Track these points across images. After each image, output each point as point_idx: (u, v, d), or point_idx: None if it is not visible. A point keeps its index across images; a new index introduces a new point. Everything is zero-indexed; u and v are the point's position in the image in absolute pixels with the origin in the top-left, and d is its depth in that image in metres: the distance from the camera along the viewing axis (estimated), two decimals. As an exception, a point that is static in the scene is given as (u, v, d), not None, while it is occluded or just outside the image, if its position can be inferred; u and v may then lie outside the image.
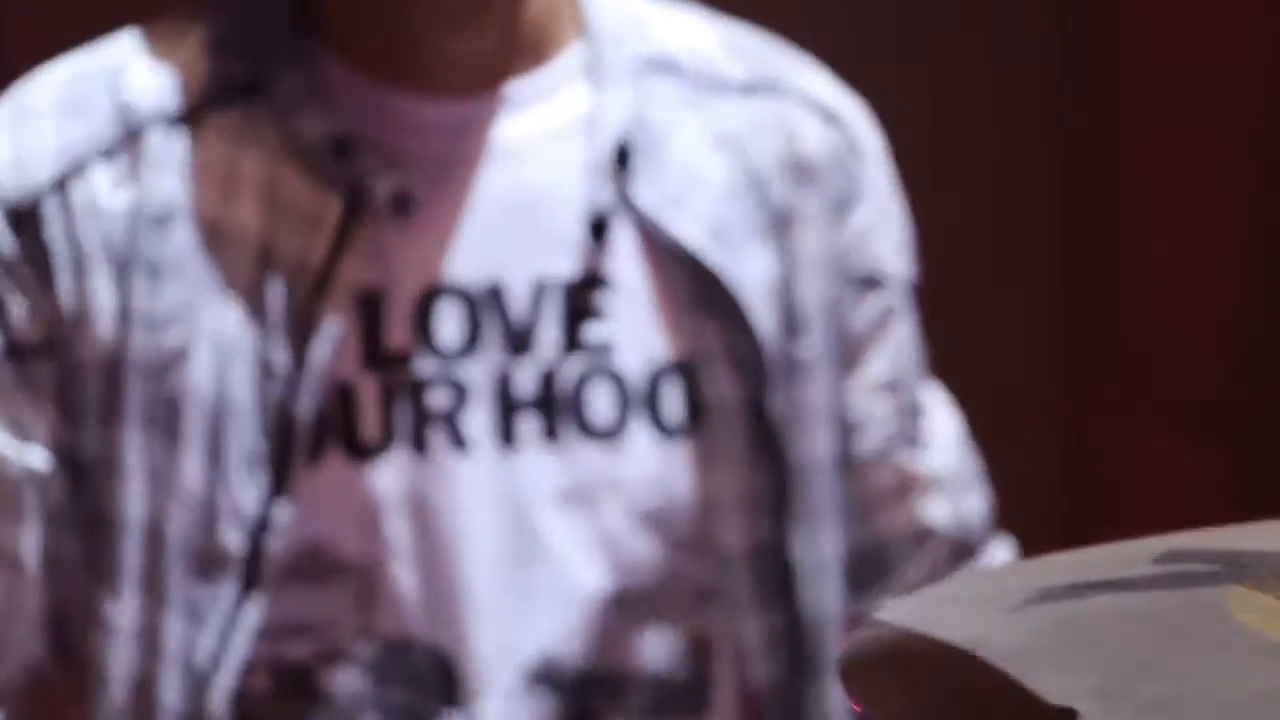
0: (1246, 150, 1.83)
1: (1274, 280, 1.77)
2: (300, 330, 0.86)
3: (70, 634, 0.90)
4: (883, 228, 0.96)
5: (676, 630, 0.92)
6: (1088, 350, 1.94)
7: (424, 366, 0.89)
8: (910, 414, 0.98)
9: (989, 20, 1.97)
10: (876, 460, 0.96)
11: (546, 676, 0.90)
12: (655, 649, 0.91)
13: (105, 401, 0.88)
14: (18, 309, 0.88)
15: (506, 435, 0.89)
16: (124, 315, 0.88)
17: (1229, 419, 1.79)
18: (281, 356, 0.86)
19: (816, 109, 0.95)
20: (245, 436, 0.87)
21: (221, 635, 0.87)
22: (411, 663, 0.89)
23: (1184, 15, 1.82)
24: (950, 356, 1.02)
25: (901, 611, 0.47)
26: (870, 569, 0.96)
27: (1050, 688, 0.37)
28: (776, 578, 0.91)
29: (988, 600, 0.47)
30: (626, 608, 0.90)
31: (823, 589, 0.93)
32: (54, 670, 0.91)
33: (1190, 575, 0.47)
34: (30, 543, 0.89)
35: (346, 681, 0.89)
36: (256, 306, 0.87)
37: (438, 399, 0.89)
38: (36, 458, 0.88)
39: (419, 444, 0.89)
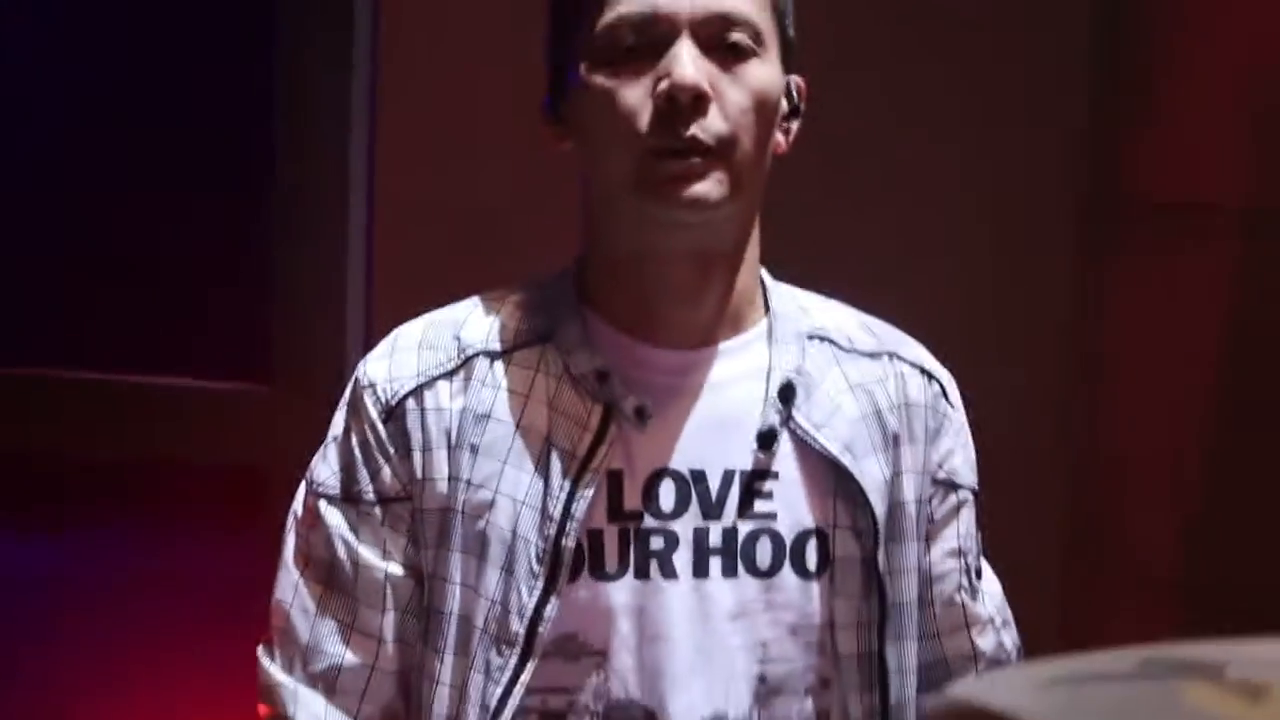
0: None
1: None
2: (569, 494, 1.28)
3: (411, 685, 1.32)
4: (958, 451, 1.40)
5: (804, 704, 1.32)
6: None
7: (648, 522, 1.30)
8: (970, 574, 1.41)
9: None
10: (946, 603, 1.39)
11: None
12: (790, 714, 1.31)
13: (439, 535, 1.29)
14: (386, 473, 1.31)
15: (700, 570, 1.30)
16: (453, 479, 1.29)
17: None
18: (556, 510, 1.28)
19: (919, 370, 1.39)
20: (529, 561, 1.27)
21: (506, 689, 1.26)
22: (628, 716, 1.29)
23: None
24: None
25: (962, 690, 0.78)
26: (937, 676, 1.37)
27: None
28: (875, 674, 1.32)
29: (1020, 685, 0.72)
30: (773, 687, 1.31)
31: (905, 684, 1.34)
32: (399, 709, 1.33)
33: (1158, 674, 0.70)
34: (389, 624, 1.30)
35: None
36: (542, 477, 1.28)
37: (656, 543, 1.29)
38: (395, 570, 1.30)
39: (642, 573, 1.29)
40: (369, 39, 2.21)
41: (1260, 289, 2.12)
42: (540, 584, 1.27)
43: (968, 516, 1.41)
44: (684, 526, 1.30)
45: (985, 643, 1.40)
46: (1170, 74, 2.34)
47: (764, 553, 1.31)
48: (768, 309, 1.37)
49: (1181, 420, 2.24)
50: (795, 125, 1.35)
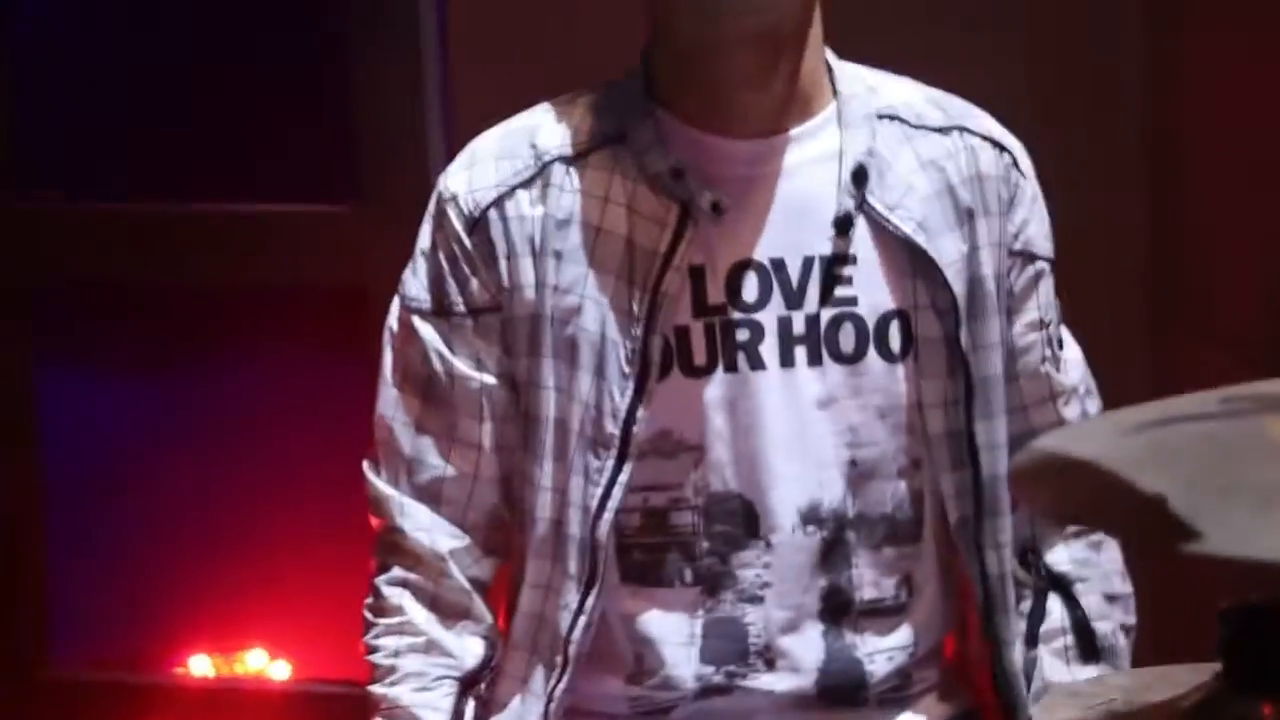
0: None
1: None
2: (654, 293, 1.31)
3: (512, 490, 1.39)
4: (1033, 221, 1.41)
5: (898, 486, 1.37)
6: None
7: (733, 314, 1.33)
8: (1052, 345, 1.42)
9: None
10: (1031, 376, 1.41)
11: (813, 517, 1.35)
12: (884, 498, 1.36)
13: (530, 342, 1.34)
14: (475, 284, 1.35)
15: (786, 359, 1.34)
16: (540, 286, 1.33)
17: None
18: (641, 310, 1.31)
19: (990, 141, 1.39)
20: (619, 362, 1.32)
21: (606, 490, 1.32)
22: (728, 508, 1.34)
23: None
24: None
25: (1048, 441, 0.81)
26: (1025, 438, 1.40)
27: (1147, 484, 0.61)
28: (965, 452, 1.35)
29: (1105, 432, 0.76)
30: (864, 471, 1.35)
31: (996, 460, 1.37)
32: (504, 513, 1.40)
33: (1241, 410, 0.75)
34: (488, 433, 1.36)
35: (687, 519, 1.35)
36: (625, 278, 1.32)
37: (742, 335, 1.33)
38: (490, 379, 1.35)
39: (731, 366, 1.33)
40: None
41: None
42: (631, 384, 1.32)
43: (1046, 287, 1.42)
44: (768, 317, 1.34)
45: (1071, 411, 1.42)
46: None
47: (847, 338, 1.34)
48: (835, 91, 1.37)
49: (1265, 184, 2.23)
50: None
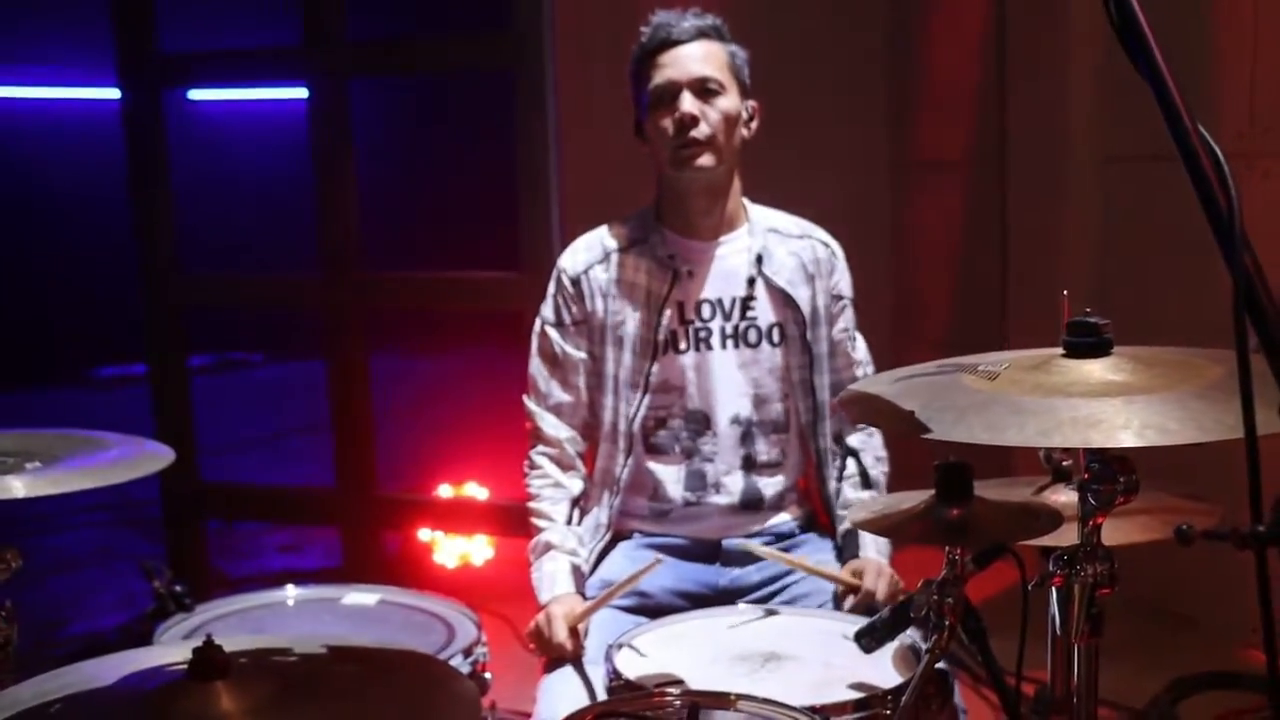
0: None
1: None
2: (659, 314, 2.62)
3: (593, 409, 2.70)
4: (842, 280, 2.72)
5: (778, 406, 2.68)
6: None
7: (697, 324, 2.64)
8: (852, 340, 2.73)
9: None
10: (842, 355, 2.72)
11: (737, 420, 2.66)
12: (770, 412, 2.67)
13: (600, 338, 2.66)
14: (574, 310, 2.67)
15: (723, 346, 2.64)
16: (605, 311, 2.65)
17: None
18: (653, 322, 2.62)
19: (822, 243, 2.71)
20: (641, 345, 2.63)
21: (636, 409, 2.64)
22: (696, 417, 2.65)
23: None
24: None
25: (854, 387, 1.86)
26: (838, 390, 2.66)
27: (903, 405, 1.58)
28: (809, 390, 2.67)
29: (881, 382, 1.79)
30: (761, 399, 2.66)
31: (823, 394, 2.68)
32: (589, 420, 2.71)
33: (948, 370, 1.76)
34: (581, 382, 2.68)
35: (677, 423, 2.66)
36: (645, 306, 2.63)
37: (702, 334, 2.64)
38: (582, 355, 2.68)
39: (697, 349, 2.64)
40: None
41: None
42: (647, 356, 2.63)
43: (849, 312, 2.75)
44: (715, 325, 2.66)
45: (860, 373, 2.73)
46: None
47: (753, 335, 2.67)
48: (747, 216, 2.71)
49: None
50: (755, 125, 2.67)
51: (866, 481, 2.71)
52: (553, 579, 2.54)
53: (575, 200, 3.61)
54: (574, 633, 2.41)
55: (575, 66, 3.68)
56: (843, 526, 2.67)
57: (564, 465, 2.69)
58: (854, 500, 2.66)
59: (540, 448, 2.70)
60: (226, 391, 7.63)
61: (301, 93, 4.09)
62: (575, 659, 2.41)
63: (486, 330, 4.12)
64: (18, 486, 1.92)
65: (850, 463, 2.73)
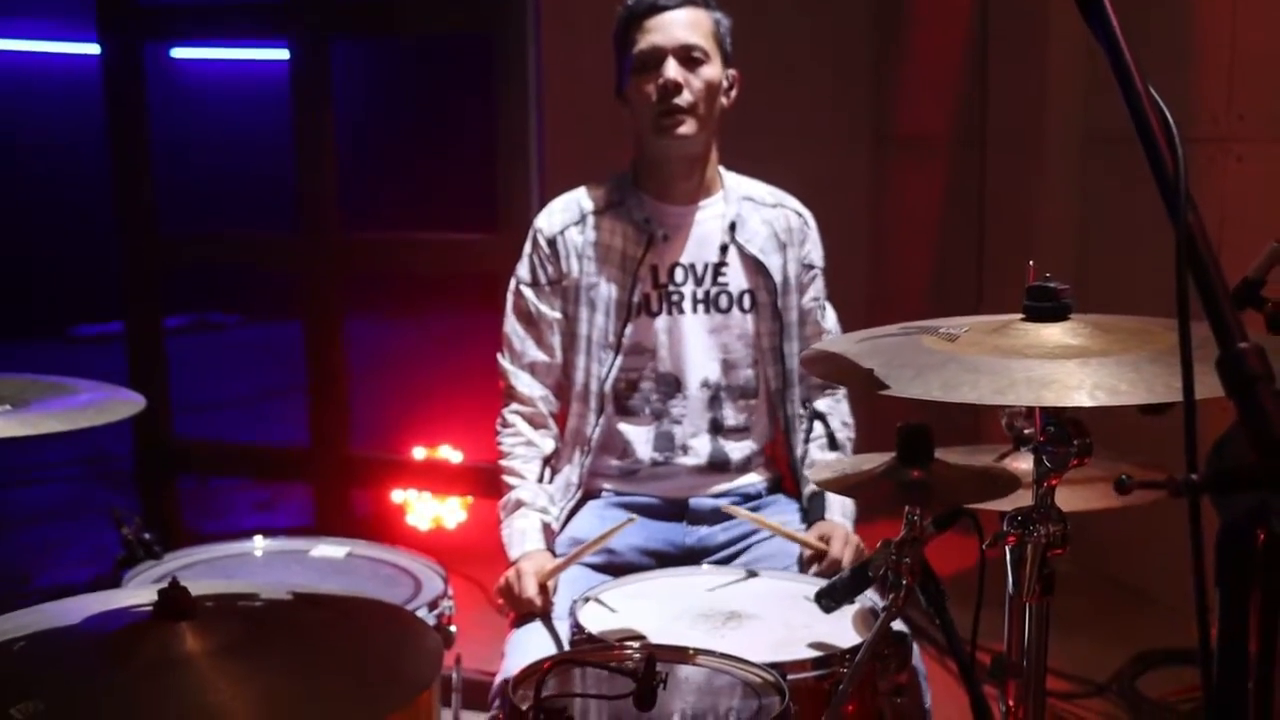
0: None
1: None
2: (634, 276, 2.64)
3: (565, 369, 2.72)
4: (813, 250, 2.76)
5: (747, 371, 2.71)
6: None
7: (670, 288, 2.67)
8: (822, 309, 2.77)
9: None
10: (811, 322, 2.76)
11: (706, 384, 2.69)
12: (739, 377, 2.70)
13: (575, 297, 2.67)
14: (550, 271, 2.69)
15: (694, 310, 2.68)
16: (580, 272, 2.67)
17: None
18: (628, 284, 2.64)
19: (795, 212, 2.75)
20: (615, 307, 2.65)
21: (608, 370, 2.66)
22: (666, 379, 2.68)
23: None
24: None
25: (818, 346, 1.96)
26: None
27: (865, 363, 1.60)
28: (779, 355, 2.71)
29: (844, 342, 1.81)
30: (730, 364, 2.69)
31: (792, 361, 2.72)
32: (562, 379, 2.72)
33: (910, 332, 1.81)
34: (556, 341, 2.70)
35: (649, 384, 2.69)
36: (619, 268, 2.66)
37: (675, 298, 2.67)
38: (556, 314, 2.70)
39: (669, 312, 2.67)
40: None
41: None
42: (621, 318, 2.65)
43: (820, 281, 2.78)
44: (687, 289, 2.68)
45: (827, 338, 2.75)
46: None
47: (724, 301, 2.70)
48: (722, 184, 2.74)
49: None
50: (734, 94, 2.69)
51: (833, 444, 2.75)
52: (523, 535, 2.57)
53: (555, 163, 3.62)
54: (543, 589, 2.44)
55: (557, 29, 3.69)
56: (808, 488, 2.70)
57: (536, 424, 2.71)
58: (820, 461, 2.69)
59: (513, 406, 2.72)
60: (202, 352, 7.63)
61: (282, 54, 4.09)
62: (544, 615, 2.44)
63: (464, 293, 4.15)
64: (-13, 427, 1.92)
65: (817, 425, 2.77)
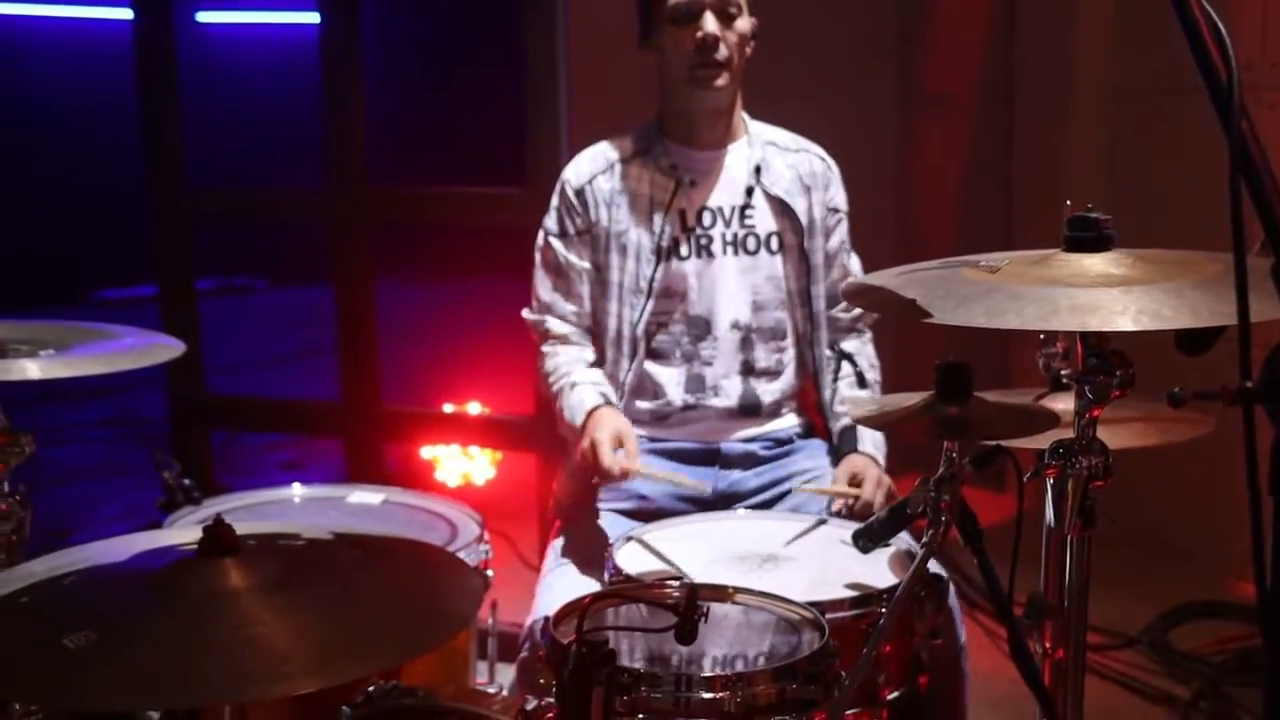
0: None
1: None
2: (662, 219, 2.65)
3: (596, 315, 2.73)
4: (837, 193, 2.76)
5: (775, 313, 2.71)
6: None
7: (699, 231, 2.67)
8: (846, 252, 2.78)
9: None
10: (838, 265, 2.77)
11: (736, 325, 2.69)
12: (769, 319, 2.70)
13: (605, 245, 2.69)
14: (579, 221, 2.70)
15: (724, 253, 2.68)
16: (609, 220, 2.68)
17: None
18: (655, 229, 2.65)
19: (818, 156, 2.76)
20: (646, 252, 2.66)
21: (639, 314, 2.66)
22: (697, 321, 2.69)
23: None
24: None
25: (861, 278, 2.03)
26: (832, 296, 2.75)
27: (906, 294, 1.63)
28: (806, 297, 2.71)
29: (886, 275, 1.81)
30: (759, 304, 2.69)
31: (818, 303, 2.72)
32: (592, 325, 2.73)
33: (951, 265, 1.82)
34: (585, 290, 2.71)
35: (679, 327, 2.69)
36: (648, 214, 2.66)
37: (704, 241, 2.68)
38: (585, 264, 2.71)
39: (699, 255, 2.68)
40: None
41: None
42: (652, 263, 2.66)
43: (844, 225, 2.79)
44: (716, 232, 2.69)
45: (852, 279, 2.71)
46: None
47: (752, 243, 2.70)
48: (747, 130, 2.74)
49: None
50: (754, 42, 2.67)
51: (862, 382, 2.77)
52: (582, 401, 2.59)
53: (583, 117, 3.61)
54: (621, 446, 2.45)
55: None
56: (840, 424, 2.72)
57: (575, 343, 2.74)
58: (850, 397, 2.71)
59: (549, 343, 2.74)
60: (230, 315, 7.66)
61: (310, 17, 4.08)
62: (633, 475, 2.46)
63: (491, 248, 4.16)
64: (33, 369, 1.95)
65: (845, 365, 2.78)
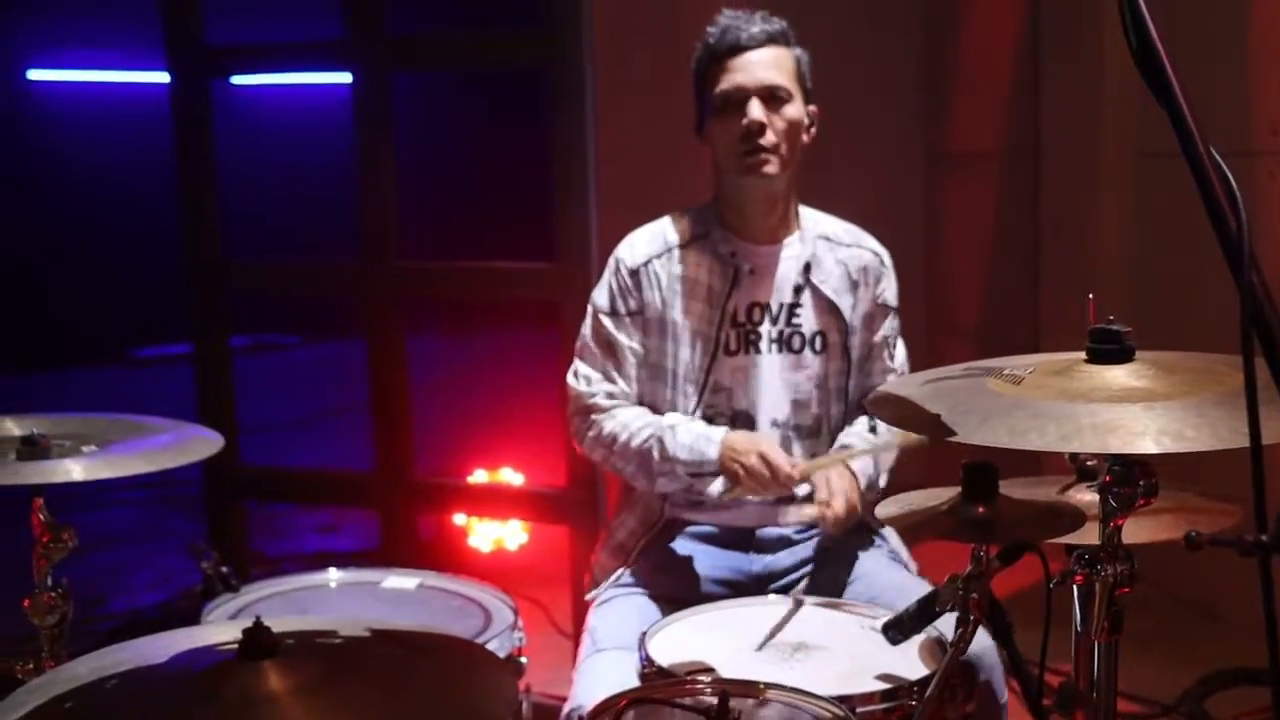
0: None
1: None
2: (721, 311, 2.64)
3: (644, 398, 2.71)
4: (888, 292, 2.75)
5: (813, 410, 2.71)
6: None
7: (749, 326, 2.67)
8: (892, 346, 2.77)
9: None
10: (879, 359, 2.76)
11: (776, 423, 2.69)
12: (807, 417, 2.70)
13: (658, 331, 2.67)
14: (631, 302, 2.68)
15: (770, 350, 2.67)
16: (663, 305, 2.66)
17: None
18: (714, 320, 2.64)
19: (871, 251, 2.75)
20: (702, 343, 2.65)
21: (695, 402, 2.65)
22: (740, 417, 2.68)
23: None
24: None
25: (884, 389, 1.85)
26: (866, 389, 2.73)
27: (930, 408, 1.60)
28: (844, 394, 2.72)
29: (910, 384, 1.74)
30: (799, 403, 2.70)
31: (855, 396, 2.73)
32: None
33: (975, 373, 1.73)
34: (632, 374, 2.70)
35: (725, 420, 2.67)
36: (706, 303, 2.65)
37: (752, 337, 2.67)
38: (636, 346, 2.69)
39: (747, 351, 2.67)
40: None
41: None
42: (709, 356, 2.65)
43: (892, 320, 2.78)
44: (764, 329, 2.68)
45: (892, 377, 2.73)
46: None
47: (797, 342, 2.70)
48: (799, 224, 2.74)
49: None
50: (814, 130, 2.69)
51: (873, 429, 2.74)
52: (704, 433, 2.58)
53: (611, 193, 3.65)
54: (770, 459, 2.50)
55: (613, 62, 3.71)
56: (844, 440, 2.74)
57: (638, 408, 2.72)
58: (858, 433, 2.74)
59: (603, 411, 2.70)
60: (263, 373, 7.73)
61: (341, 77, 4.15)
62: (799, 480, 2.53)
63: (520, 320, 4.21)
64: (76, 470, 1.99)
65: (864, 419, 2.79)
